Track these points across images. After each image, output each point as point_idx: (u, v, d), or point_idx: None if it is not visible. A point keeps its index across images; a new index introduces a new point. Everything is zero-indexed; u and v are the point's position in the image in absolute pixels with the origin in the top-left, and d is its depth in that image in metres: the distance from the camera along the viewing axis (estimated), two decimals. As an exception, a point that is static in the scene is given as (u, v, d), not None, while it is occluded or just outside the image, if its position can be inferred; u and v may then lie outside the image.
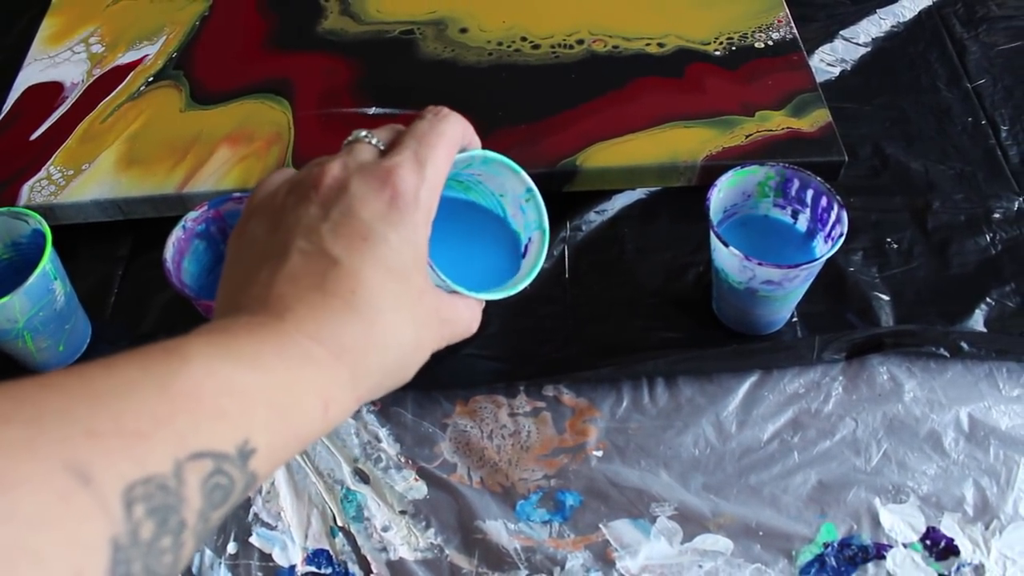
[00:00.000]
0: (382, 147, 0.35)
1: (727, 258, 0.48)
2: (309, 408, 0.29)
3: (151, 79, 0.66)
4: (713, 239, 0.48)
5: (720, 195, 0.50)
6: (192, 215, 0.51)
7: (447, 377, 0.52)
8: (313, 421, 0.29)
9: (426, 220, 0.33)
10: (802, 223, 0.52)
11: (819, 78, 0.66)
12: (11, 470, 0.21)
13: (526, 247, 0.43)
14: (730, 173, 0.50)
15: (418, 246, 0.33)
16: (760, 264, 0.46)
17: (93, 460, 0.22)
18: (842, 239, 0.47)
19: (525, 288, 0.41)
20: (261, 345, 0.28)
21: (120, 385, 0.24)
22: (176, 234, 0.50)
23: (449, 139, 0.35)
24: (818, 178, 0.49)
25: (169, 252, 0.49)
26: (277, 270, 0.31)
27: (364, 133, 0.35)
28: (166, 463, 0.23)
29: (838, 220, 0.48)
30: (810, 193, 0.50)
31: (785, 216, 0.52)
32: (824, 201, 0.49)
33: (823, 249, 0.50)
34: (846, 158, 0.58)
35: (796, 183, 0.50)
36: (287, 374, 0.28)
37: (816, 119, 0.60)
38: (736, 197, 0.51)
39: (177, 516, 0.23)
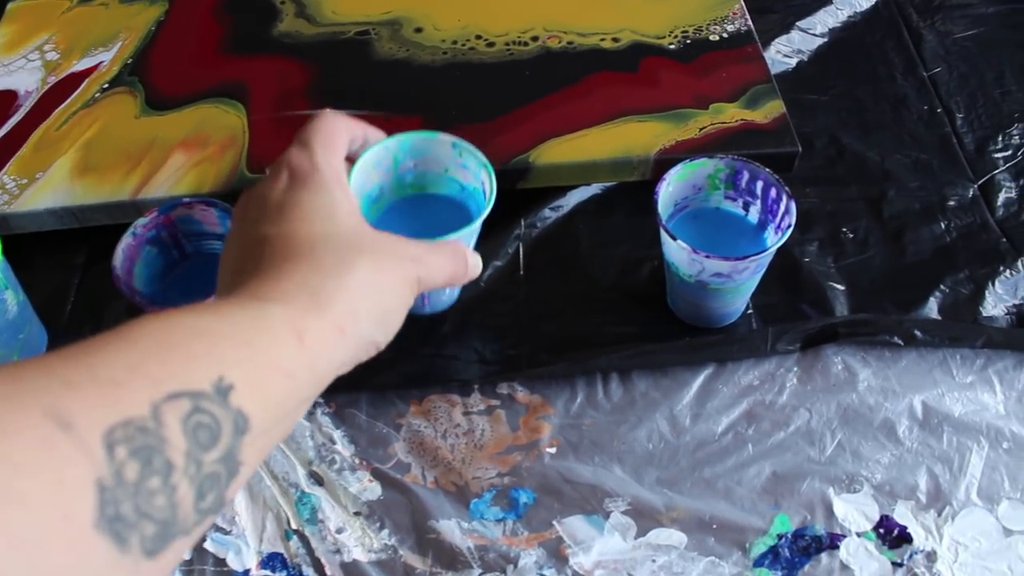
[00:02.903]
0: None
1: (676, 252, 0.48)
2: (281, 339, 0.30)
3: (106, 86, 0.65)
4: (662, 233, 0.48)
5: (669, 189, 0.50)
6: (142, 221, 0.50)
7: (402, 377, 0.52)
8: (290, 351, 0.30)
9: (335, 179, 0.37)
10: (753, 215, 0.52)
11: (776, 69, 0.66)
12: None
13: (483, 191, 0.46)
14: (679, 167, 0.50)
15: (333, 197, 0.36)
16: (708, 257, 0.46)
17: (73, 407, 0.23)
18: (791, 230, 0.47)
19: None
20: (216, 304, 0.31)
21: (91, 343, 0.26)
22: (126, 240, 0.50)
23: (323, 125, 0.39)
24: (767, 169, 0.49)
25: (119, 259, 0.49)
26: (225, 272, 0.36)
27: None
28: (143, 406, 0.24)
29: (787, 211, 0.48)
30: (760, 184, 0.50)
31: (736, 208, 0.52)
32: (773, 192, 0.49)
33: (773, 240, 0.50)
34: (799, 149, 0.58)
35: (746, 175, 0.50)
36: (249, 313, 0.31)
37: (770, 110, 0.59)
38: (687, 190, 0.51)
39: (161, 456, 0.24)
